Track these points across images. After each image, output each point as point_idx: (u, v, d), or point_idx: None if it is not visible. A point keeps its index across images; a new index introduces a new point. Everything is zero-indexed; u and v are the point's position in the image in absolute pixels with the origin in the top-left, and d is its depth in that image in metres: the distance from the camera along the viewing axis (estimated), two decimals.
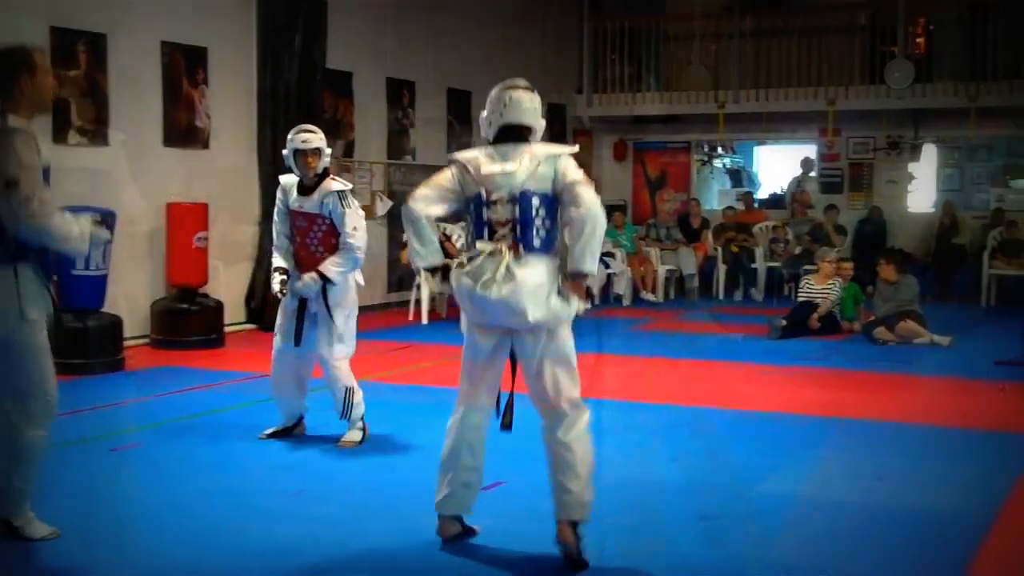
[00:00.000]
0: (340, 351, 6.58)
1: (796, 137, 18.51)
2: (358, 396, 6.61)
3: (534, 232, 4.52)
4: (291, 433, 6.84)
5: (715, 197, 19.26)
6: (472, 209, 4.64)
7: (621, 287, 14.74)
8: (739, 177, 20.09)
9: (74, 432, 6.94)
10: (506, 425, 4.77)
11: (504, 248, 4.51)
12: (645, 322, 13.00)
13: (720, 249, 15.74)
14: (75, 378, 8.83)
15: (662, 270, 15.32)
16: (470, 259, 4.58)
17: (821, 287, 11.95)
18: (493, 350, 4.69)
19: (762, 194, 19.36)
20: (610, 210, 17.09)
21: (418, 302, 12.49)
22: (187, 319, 10.59)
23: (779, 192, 18.92)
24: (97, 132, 10.30)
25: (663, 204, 18.59)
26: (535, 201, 4.53)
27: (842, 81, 16.43)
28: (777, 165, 20.02)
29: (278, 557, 4.69)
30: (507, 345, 4.67)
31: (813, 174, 17.88)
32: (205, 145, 11.49)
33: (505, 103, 4.68)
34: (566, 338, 4.66)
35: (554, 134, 18.44)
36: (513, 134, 4.67)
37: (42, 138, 9.89)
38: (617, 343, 11.13)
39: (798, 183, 17.83)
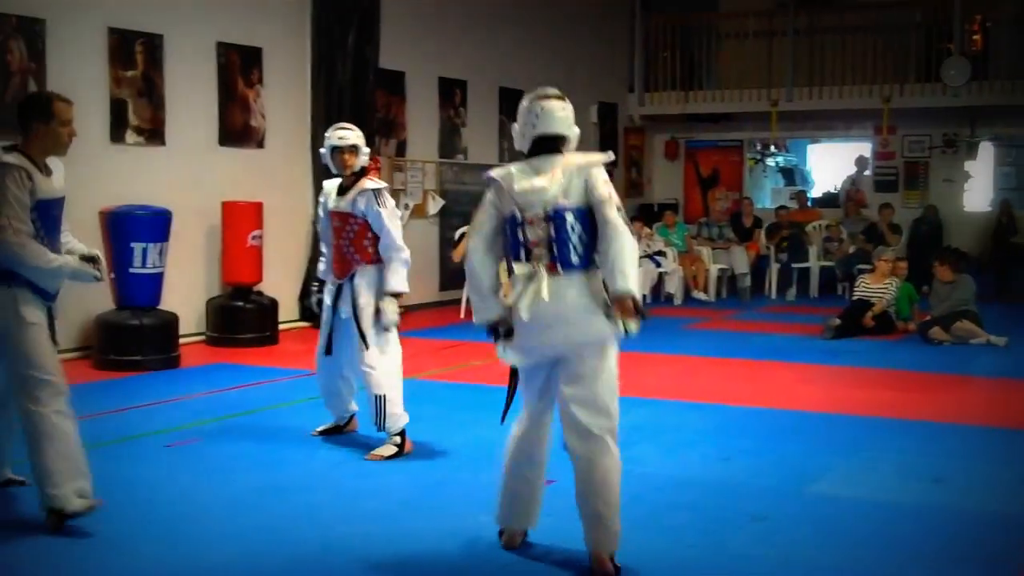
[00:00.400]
0: (370, 358, 6.36)
1: (850, 135, 18.36)
2: (395, 407, 6.33)
3: (571, 250, 4.43)
4: (342, 431, 6.88)
5: (768, 196, 19.16)
6: (508, 229, 4.56)
7: (672, 286, 14.69)
8: (792, 175, 19.96)
9: (131, 428, 7.06)
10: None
11: (541, 269, 4.44)
12: (697, 321, 12.95)
13: (772, 248, 15.65)
14: (131, 375, 8.98)
15: (714, 269, 15.25)
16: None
17: (877, 286, 11.85)
18: (548, 377, 4.61)
19: (816, 192, 19.23)
20: (661, 209, 17.13)
21: (468, 300, 12.50)
22: (241, 317, 10.70)
23: (833, 190, 18.78)
24: (154, 132, 10.43)
25: (715, 203, 18.53)
26: (569, 217, 4.42)
27: (897, 78, 16.26)
28: (831, 163, 19.87)
29: (328, 554, 4.72)
30: (559, 366, 4.55)
31: (868, 172, 17.73)
32: (260, 144, 11.60)
33: (537, 114, 4.56)
34: (611, 361, 4.55)
35: (605, 133, 18.57)
36: (547, 145, 4.57)
37: (100, 138, 10.12)
38: (668, 342, 11.09)
39: (852, 181, 17.69)
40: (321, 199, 6.76)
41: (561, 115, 4.57)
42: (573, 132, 4.62)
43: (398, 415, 6.34)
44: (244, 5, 11.40)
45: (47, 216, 5.12)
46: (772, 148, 19.21)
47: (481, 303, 4.66)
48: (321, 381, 6.81)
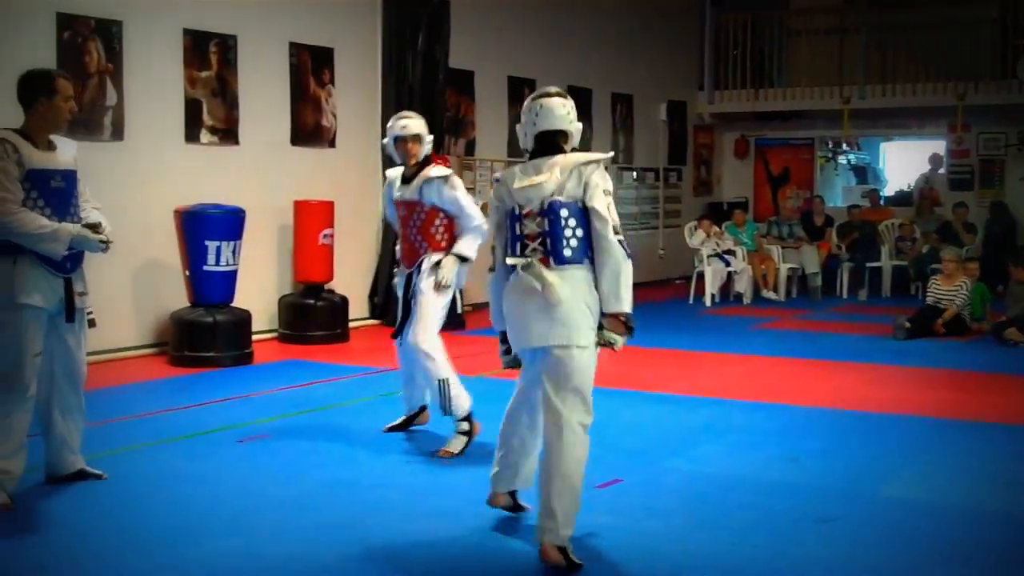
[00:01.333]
0: (427, 343, 6.33)
1: (923, 133, 18.10)
2: (457, 388, 6.32)
3: (564, 243, 4.54)
4: (412, 423, 6.87)
5: (839, 194, 18.96)
6: (508, 224, 4.72)
7: (742, 285, 14.60)
8: (864, 174, 19.73)
9: (204, 423, 7.18)
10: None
11: (535, 262, 4.56)
12: (766, 321, 12.87)
13: (844, 247, 15.49)
14: (205, 370, 9.13)
15: (784, 268, 15.13)
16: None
17: (948, 288, 11.67)
18: (530, 363, 4.78)
19: (888, 191, 18.99)
20: (731, 207, 17.04)
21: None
22: (313, 314, 10.82)
23: (906, 189, 18.52)
24: (227, 132, 10.59)
25: (785, 201, 18.38)
26: (563, 212, 4.54)
27: (971, 75, 16.01)
28: (904, 161, 19.61)
29: (393, 551, 4.77)
30: (541, 356, 4.66)
31: (942, 171, 17.46)
32: (331, 144, 11.73)
33: (537, 112, 4.73)
34: (589, 361, 4.58)
35: (674, 132, 18.45)
36: (549, 141, 4.72)
37: (175, 138, 10.28)
38: (737, 342, 11.05)
39: (926, 180, 17.44)
40: (385, 188, 6.78)
41: (561, 112, 4.73)
42: (574, 127, 4.77)
43: (462, 396, 6.33)
44: (316, 6, 11.53)
45: (44, 186, 5.22)
46: (844, 146, 19.01)
47: (499, 309, 4.85)
48: (401, 367, 6.82)
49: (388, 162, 11.92)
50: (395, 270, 6.85)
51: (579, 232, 4.55)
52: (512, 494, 5.10)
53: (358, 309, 11.85)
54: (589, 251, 4.57)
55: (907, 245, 15.42)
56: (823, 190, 18.22)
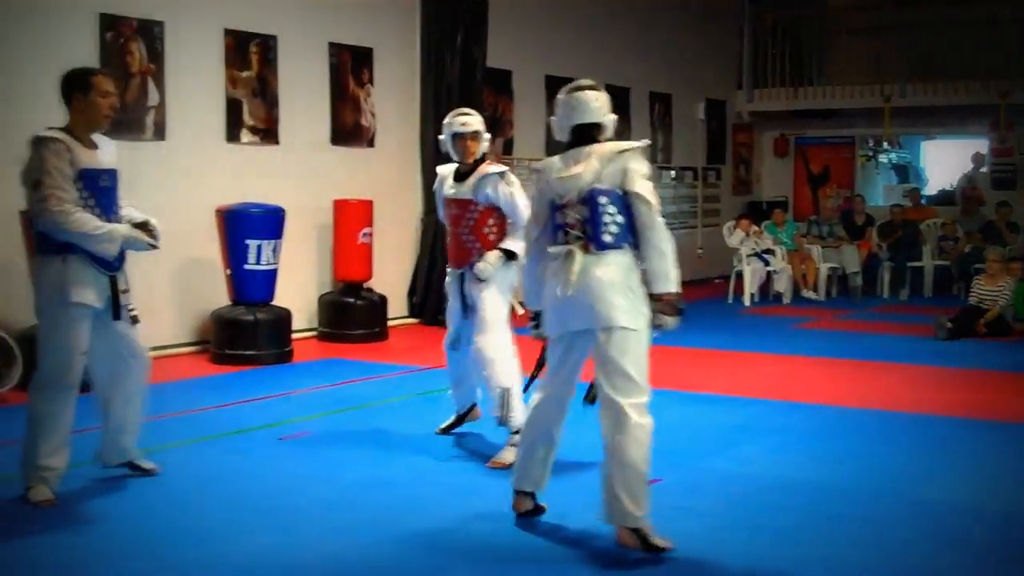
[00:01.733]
0: (491, 348, 6.17)
1: (966, 131, 17.93)
2: (517, 401, 6.07)
3: (603, 229, 4.63)
4: (464, 422, 6.80)
5: (880, 193, 18.82)
6: (549, 215, 4.81)
7: (781, 285, 14.53)
8: (906, 173, 19.57)
9: (244, 421, 7.23)
10: (589, 400, 4.89)
11: (576, 249, 4.64)
12: (806, 321, 12.80)
13: (885, 247, 15.38)
14: (246, 368, 9.19)
15: (824, 268, 15.04)
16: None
17: (991, 289, 11.57)
18: (567, 350, 4.80)
19: (930, 190, 18.83)
20: (770, 206, 16.95)
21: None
22: (352, 313, 10.87)
23: (948, 188, 18.36)
24: (267, 131, 10.66)
25: (826, 200, 18.28)
26: (602, 199, 4.65)
27: (1015, 74, 15.84)
28: (946, 160, 19.44)
29: (432, 549, 4.79)
30: (585, 344, 4.71)
31: (984, 169, 17.30)
32: (370, 143, 11.78)
33: (572, 105, 4.84)
34: (636, 343, 4.61)
35: (713, 130, 18.38)
36: (584, 134, 4.82)
37: (216, 138, 10.38)
38: (777, 342, 11.00)
39: (968, 179, 17.29)
40: (436, 185, 6.67)
41: (595, 104, 4.83)
42: (609, 119, 4.87)
43: (520, 409, 6.03)
44: (356, 6, 11.59)
45: (94, 186, 5.31)
46: (885, 145, 18.86)
47: (532, 288, 4.96)
48: (449, 369, 6.74)
49: (427, 161, 12.03)
50: (448, 269, 6.70)
51: (619, 218, 4.64)
52: (533, 496, 5.09)
53: (397, 308, 11.89)
54: (630, 236, 4.65)
55: (950, 245, 15.29)
56: (864, 189, 18.09)
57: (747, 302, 14.14)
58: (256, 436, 6.84)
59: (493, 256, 6.29)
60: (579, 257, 4.61)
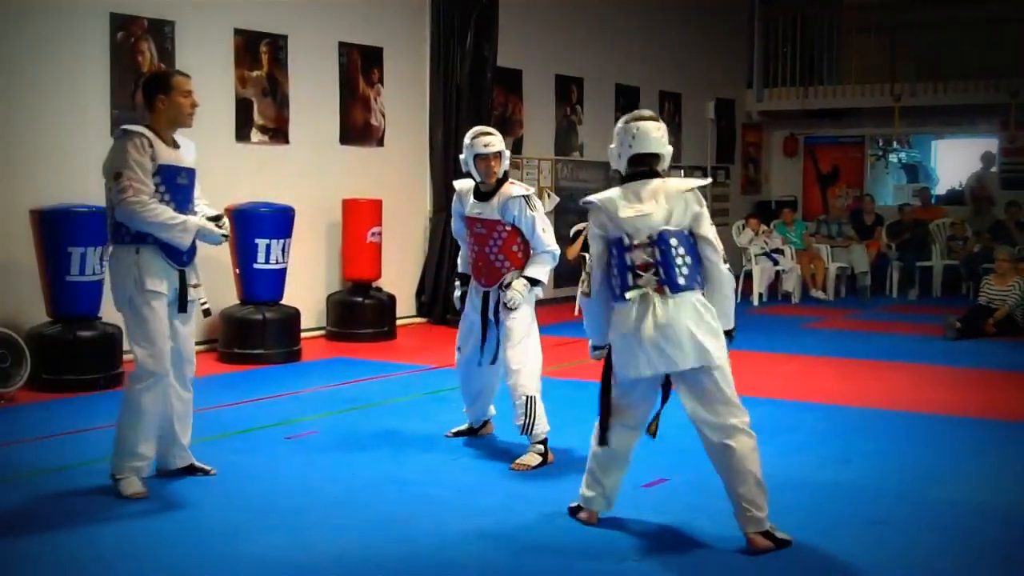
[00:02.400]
0: (517, 357, 6.19)
1: (976, 131, 17.89)
2: (541, 409, 6.16)
3: (676, 271, 4.68)
4: (476, 434, 6.77)
5: (890, 193, 18.78)
6: (614, 253, 4.79)
7: (790, 284, 14.52)
8: (916, 172, 19.52)
9: (252, 420, 7.24)
10: (652, 432, 4.93)
11: (651, 292, 4.68)
12: (814, 320, 12.78)
13: (895, 247, 15.35)
14: (254, 367, 9.21)
15: (833, 267, 15.02)
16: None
17: (1001, 288, 11.54)
18: (650, 388, 4.86)
19: (940, 189, 18.77)
20: (779, 206, 16.92)
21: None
22: (360, 312, 10.88)
23: (958, 187, 18.32)
24: (277, 131, 10.67)
25: (835, 200, 18.25)
26: (673, 241, 4.70)
27: None
28: (956, 160, 19.38)
29: (442, 548, 4.79)
30: (659, 381, 4.82)
31: (994, 169, 17.26)
32: (380, 143, 11.78)
33: (633, 134, 4.85)
34: (728, 373, 4.78)
35: (722, 130, 18.34)
36: (643, 164, 4.84)
37: (226, 137, 10.41)
38: (785, 341, 10.99)
39: (978, 179, 17.24)
40: (455, 202, 6.49)
41: (656, 135, 4.86)
42: (667, 151, 4.90)
43: (543, 419, 6.15)
44: (365, 5, 11.60)
45: (171, 181, 5.46)
46: (895, 144, 18.82)
47: (596, 325, 5.00)
48: (465, 384, 6.64)
49: (436, 160, 12.04)
50: (456, 283, 6.67)
51: (688, 259, 4.72)
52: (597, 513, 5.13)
53: (405, 307, 11.90)
54: (698, 276, 4.75)
55: (958, 244, 15.25)
56: (873, 189, 18.06)
57: (756, 302, 14.13)
58: (264, 435, 6.85)
59: (520, 284, 6.24)
60: (657, 300, 4.66)
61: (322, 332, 11.01)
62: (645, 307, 4.67)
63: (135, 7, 9.40)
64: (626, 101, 15.26)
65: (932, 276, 15.22)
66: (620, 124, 4.92)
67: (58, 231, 8.16)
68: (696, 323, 4.66)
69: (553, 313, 12.70)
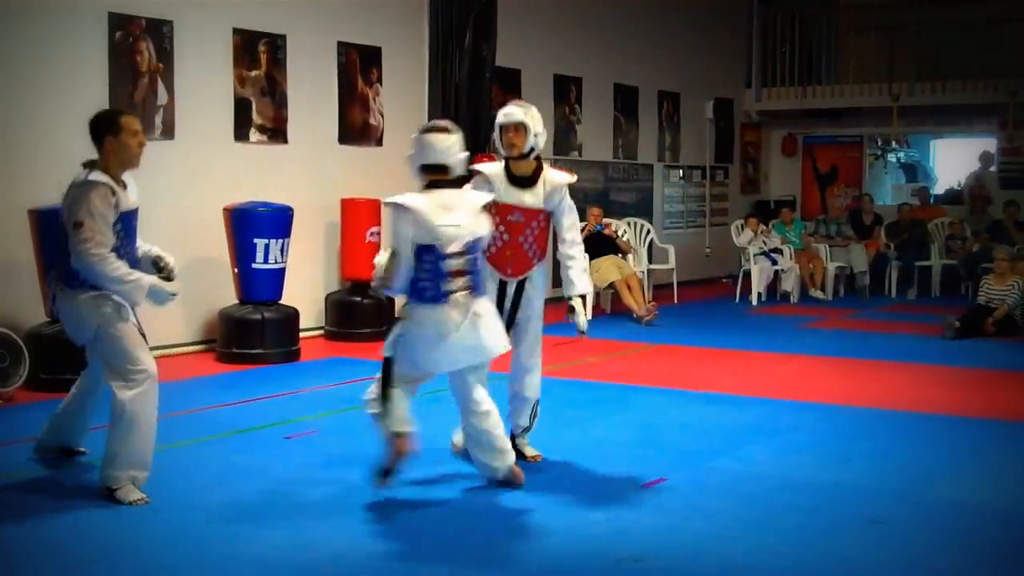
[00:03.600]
0: (533, 359, 6.22)
1: (974, 130, 17.90)
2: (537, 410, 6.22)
3: (481, 278, 5.54)
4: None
5: (889, 192, 18.79)
6: (424, 257, 5.43)
7: (789, 284, 14.52)
8: (914, 172, 19.53)
9: (251, 419, 7.24)
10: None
11: (467, 294, 5.39)
12: (813, 320, 12.78)
13: (893, 247, 15.35)
14: (253, 367, 9.20)
15: (832, 267, 15.03)
16: None
17: (999, 289, 11.55)
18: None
19: (938, 189, 18.78)
20: (778, 206, 16.93)
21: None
22: (359, 311, 10.87)
23: (956, 187, 18.33)
24: (276, 130, 10.67)
25: (833, 200, 18.26)
26: (479, 249, 5.51)
27: (1023, 73, 15.78)
28: (954, 159, 19.40)
29: (443, 546, 4.79)
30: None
31: (992, 169, 17.27)
32: (378, 142, 11.78)
33: (422, 145, 5.40)
34: None
35: (721, 129, 18.34)
36: (434, 172, 5.46)
37: (224, 137, 10.40)
38: (784, 341, 10.99)
39: (976, 178, 17.25)
40: (479, 185, 5.96)
41: (442, 147, 5.34)
42: (454, 160, 5.37)
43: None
44: (364, 5, 11.59)
45: (128, 227, 5.49)
46: (893, 144, 18.83)
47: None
48: None
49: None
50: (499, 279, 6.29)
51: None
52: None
53: None
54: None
55: (957, 244, 15.26)
56: (872, 188, 18.07)
57: (754, 301, 14.12)
58: (263, 435, 6.85)
59: (579, 305, 6.32)
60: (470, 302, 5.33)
61: (321, 332, 11.00)
62: (466, 309, 5.24)
63: (134, 7, 9.40)
64: (625, 101, 15.27)
65: (931, 276, 15.22)
66: (415, 134, 5.36)
67: (57, 231, 8.13)
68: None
69: (550, 313, 12.70)
